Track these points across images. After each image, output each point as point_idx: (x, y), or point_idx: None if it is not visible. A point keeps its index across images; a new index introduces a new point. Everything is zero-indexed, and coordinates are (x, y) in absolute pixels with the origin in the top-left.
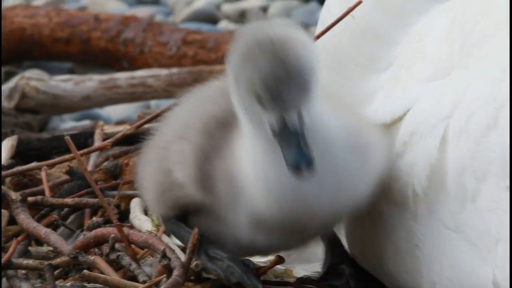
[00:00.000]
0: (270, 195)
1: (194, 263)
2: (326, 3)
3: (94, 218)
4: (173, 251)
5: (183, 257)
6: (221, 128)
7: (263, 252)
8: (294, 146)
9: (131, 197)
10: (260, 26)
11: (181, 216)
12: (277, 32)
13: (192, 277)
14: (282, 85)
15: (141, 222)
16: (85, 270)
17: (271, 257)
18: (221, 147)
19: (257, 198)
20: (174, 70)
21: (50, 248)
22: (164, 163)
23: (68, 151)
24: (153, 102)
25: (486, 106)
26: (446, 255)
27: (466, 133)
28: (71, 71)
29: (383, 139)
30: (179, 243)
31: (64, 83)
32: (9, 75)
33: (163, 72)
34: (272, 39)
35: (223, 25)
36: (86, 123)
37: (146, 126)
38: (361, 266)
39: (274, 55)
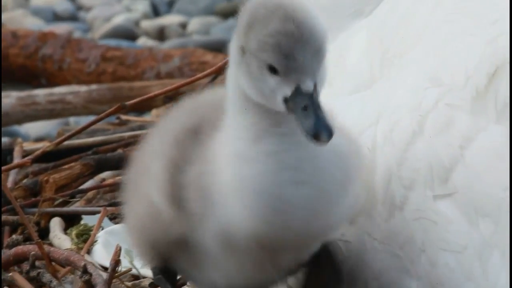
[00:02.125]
0: (248, 194)
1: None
2: None
3: (14, 236)
4: (95, 267)
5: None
6: (192, 136)
7: None
8: (312, 114)
9: (52, 214)
10: None
11: (165, 268)
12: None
13: None
14: (297, 49)
15: (61, 241)
16: (5, 287)
17: None
18: (192, 155)
19: (232, 203)
20: (94, 86)
21: None
22: (144, 190)
23: None
24: (72, 119)
25: (411, 114)
26: (371, 267)
27: (391, 141)
28: None
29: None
30: (103, 261)
31: None
32: None
33: (82, 88)
34: (282, 4)
35: (142, 41)
36: (5, 140)
37: (66, 142)
38: None
39: (287, 17)
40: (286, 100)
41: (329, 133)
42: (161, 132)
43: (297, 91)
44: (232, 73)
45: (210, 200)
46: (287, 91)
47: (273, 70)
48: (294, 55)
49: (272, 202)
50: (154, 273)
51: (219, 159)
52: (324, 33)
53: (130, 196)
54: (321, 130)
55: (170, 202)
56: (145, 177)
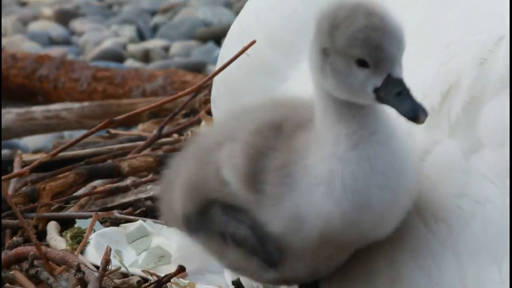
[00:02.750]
0: (339, 189)
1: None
2: (224, 43)
3: (14, 238)
4: (87, 266)
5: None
6: (275, 131)
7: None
8: (407, 97)
9: (48, 218)
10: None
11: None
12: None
13: None
14: (385, 40)
15: (57, 242)
16: (7, 284)
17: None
18: (275, 147)
19: (319, 195)
20: (86, 103)
21: None
22: (208, 159)
23: None
24: (66, 133)
25: None
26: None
27: None
28: None
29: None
30: (95, 261)
31: None
32: None
33: (75, 105)
34: (360, 3)
35: (129, 63)
36: (5, 152)
37: (61, 154)
38: None
39: (370, 13)
40: (375, 91)
41: (426, 113)
42: (240, 122)
43: (389, 79)
44: (317, 82)
45: (293, 188)
46: (378, 81)
47: (362, 63)
48: (383, 46)
49: (357, 199)
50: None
51: (313, 155)
52: (401, 24)
53: (190, 160)
54: (418, 111)
55: (246, 184)
56: (210, 152)
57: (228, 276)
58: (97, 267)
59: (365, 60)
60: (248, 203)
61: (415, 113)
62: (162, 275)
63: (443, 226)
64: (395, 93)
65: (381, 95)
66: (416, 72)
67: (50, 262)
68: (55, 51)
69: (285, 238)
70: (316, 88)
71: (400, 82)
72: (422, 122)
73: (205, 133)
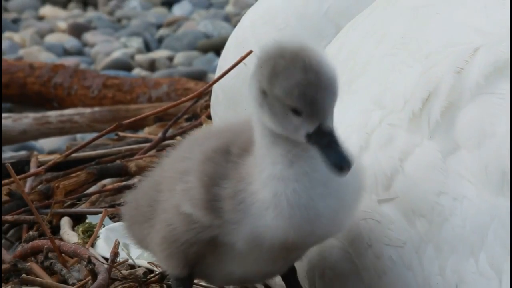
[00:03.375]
0: (285, 207)
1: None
2: (223, 53)
3: (31, 232)
4: (97, 258)
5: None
6: (224, 155)
7: (245, 282)
8: (336, 149)
9: (62, 214)
10: (278, 43)
11: (189, 278)
12: (300, 46)
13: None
14: (319, 95)
15: (69, 236)
16: (23, 275)
17: None
18: (227, 171)
19: (269, 215)
20: (96, 109)
21: None
22: (169, 203)
23: (8, 176)
24: (78, 136)
25: (359, 132)
26: (327, 261)
27: None
28: (10, 110)
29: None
30: (104, 253)
31: (4, 120)
32: None
33: (87, 110)
34: (299, 54)
35: (136, 71)
36: (23, 153)
37: (74, 155)
38: None
39: (307, 68)
40: (308, 136)
41: (349, 165)
42: (187, 152)
43: (319, 130)
44: (256, 112)
45: (247, 213)
46: (310, 128)
47: (296, 112)
48: (317, 100)
49: (305, 213)
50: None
51: (256, 180)
52: (336, 76)
53: (153, 215)
54: (343, 164)
55: (206, 211)
56: (172, 193)
57: None
58: (107, 259)
59: (299, 110)
60: (212, 229)
61: (341, 166)
62: None
63: (424, 222)
64: (324, 143)
65: (311, 141)
66: (399, 80)
67: (63, 255)
68: (69, 61)
69: (250, 252)
70: (254, 116)
71: (329, 134)
72: (346, 173)
73: (148, 180)
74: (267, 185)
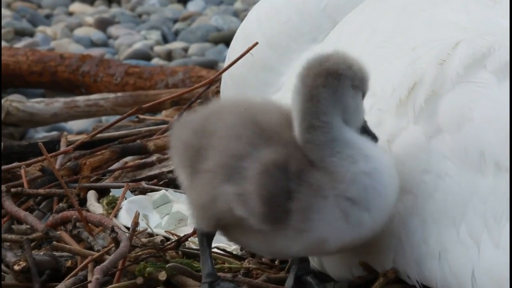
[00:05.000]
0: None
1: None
2: (231, 45)
3: (60, 204)
4: (119, 228)
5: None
6: (283, 171)
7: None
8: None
9: (88, 188)
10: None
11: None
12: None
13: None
14: None
15: (95, 208)
16: (54, 242)
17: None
18: (289, 187)
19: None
20: (119, 94)
21: (28, 226)
22: (215, 193)
23: (41, 154)
24: (103, 118)
25: None
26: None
27: None
28: (43, 96)
29: None
30: (126, 223)
31: (38, 104)
32: None
33: (111, 95)
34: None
35: (155, 61)
36: (54, 133)
37: (99, 135)
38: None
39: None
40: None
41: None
42: (245, 161)
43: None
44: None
45: (319, 221)
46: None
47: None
48: None
49: (373, 224)
50: (201, 241)
51: (331, 192)
52: None
53: (196, 165)
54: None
55: (265, 222)
56: (221, 173)
57: None
58: (128, 228)
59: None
60: (263, 231)
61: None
62: (181, 235)
63: (410, 197)
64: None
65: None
66: (388, 70)
67: (89, 224)
68: (95, 52)
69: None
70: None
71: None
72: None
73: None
74: (339, 198)
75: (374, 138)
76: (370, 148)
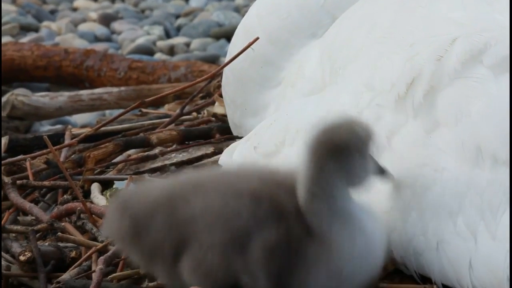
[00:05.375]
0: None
1: None
2: (232, 40)
3: (65, 196)
4: None
5: None
6: (287, 248)
7: None
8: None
9: (92, 180)
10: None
11: None
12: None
13: None
14: None
15: (99, 200)
16: (59, 233)
17: None
18: (292, 262)
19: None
20: (123, 88)
21: (33, 218)
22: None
23: (46, 147)
24: (107, 112)
25: (351, 111)
26: None
27: None
28: (47, 90)
29: None
30: None
31: (43, 98)
32: (3, 93)
33: (115, 90)
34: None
35: (158, 56)
36: (59, 127)
37: (103, 128)
38: None
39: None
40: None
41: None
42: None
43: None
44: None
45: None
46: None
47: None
48: None
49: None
50: None
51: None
52: None
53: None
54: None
55: None
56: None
57: None
58: None
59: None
60: None
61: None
62: None
63: (408, 191)
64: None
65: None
66: (387, 65)
67: (93, 216)
68: (99, 47)
69: None
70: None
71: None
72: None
73: None
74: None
75: (388, 174)
76: (367, 224)
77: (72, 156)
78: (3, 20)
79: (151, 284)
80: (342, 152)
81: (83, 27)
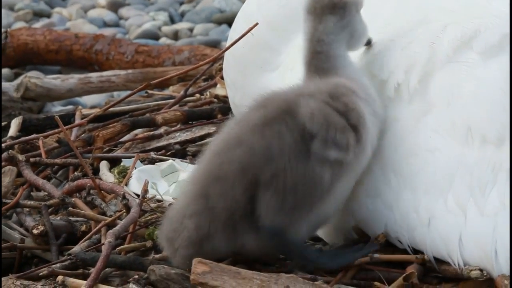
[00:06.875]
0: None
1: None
2: (233, 25)
3: (75, 173)
4: (130, 195)
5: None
6: None
7: None
8: None
9: (101, 158)
10: None
11: None
12: None
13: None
14: None
15: (107, 176)
16: (70, 208)
17: None
18: None
19: None
20: (130, 71)
21: (45, 193)
22: None
23: (57, 126)
24: (115, 93)
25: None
26: None
27: None
28: (59, 72)
29: None
30: (136, 190)
31: (54, 80)
32: (17, 75)
33: (122, 72)
34: None
35: (163, 40)
36: (70, 107)
37: (111, 109)
38: None
39: None
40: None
41: None
42: None
43: None
44: None
45: None
46: None
47: None
48: None
49: None
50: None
51: None
52: None
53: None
54: None
55: None
56: None
57: None
58: (138, 195)
59: None
60: None
61: None
62: None
63: (402, 171)
64: None
65: None
66: (385, 53)
67: (102, 192)
68: (108, 32)
69: None
70: None
71: None
72: None
73: None
74: None
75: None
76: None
77: (82, 135)
78: (17, 6)
79: (157, 256)
80: (339, 6)
81: (92, 13)
